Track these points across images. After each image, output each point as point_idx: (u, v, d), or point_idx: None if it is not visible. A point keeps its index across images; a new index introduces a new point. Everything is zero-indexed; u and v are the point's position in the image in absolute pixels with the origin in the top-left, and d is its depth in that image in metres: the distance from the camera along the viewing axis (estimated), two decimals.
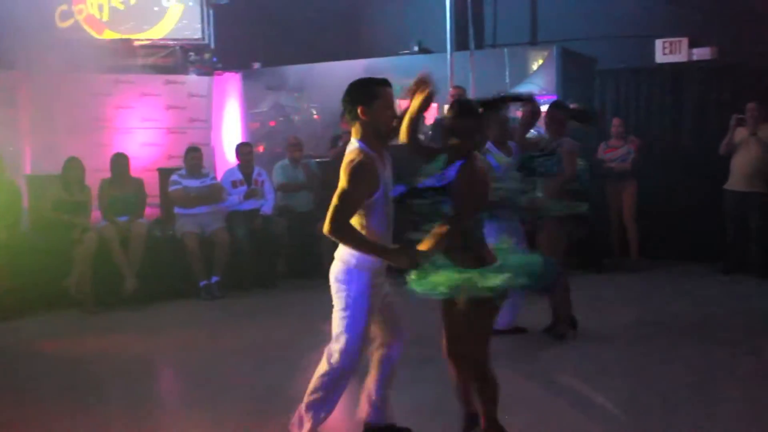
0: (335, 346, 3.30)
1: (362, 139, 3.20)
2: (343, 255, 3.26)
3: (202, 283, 6.98)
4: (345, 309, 3.26)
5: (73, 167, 6.83)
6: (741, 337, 5.36)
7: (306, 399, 3.39)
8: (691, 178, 7.80)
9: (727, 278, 7.15)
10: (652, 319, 5.90)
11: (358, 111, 3.16)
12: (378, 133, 3.20)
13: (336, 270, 3.28)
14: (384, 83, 3.22)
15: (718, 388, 4.33)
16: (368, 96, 3.16)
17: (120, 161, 7.17)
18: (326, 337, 3.38)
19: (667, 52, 8.13)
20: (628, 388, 4.36)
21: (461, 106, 3.28)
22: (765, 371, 4.60)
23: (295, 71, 9.90)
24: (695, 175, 7.77)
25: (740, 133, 7.11)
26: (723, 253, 7.43)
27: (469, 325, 3.15)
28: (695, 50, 8.02)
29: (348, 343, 3.26)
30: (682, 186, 7.82)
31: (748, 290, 6.72)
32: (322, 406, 3.36)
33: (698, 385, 4.39)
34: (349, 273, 3.23)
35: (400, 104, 3.37)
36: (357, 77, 3.31)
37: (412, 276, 3.18)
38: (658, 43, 8.12)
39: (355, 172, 3.08)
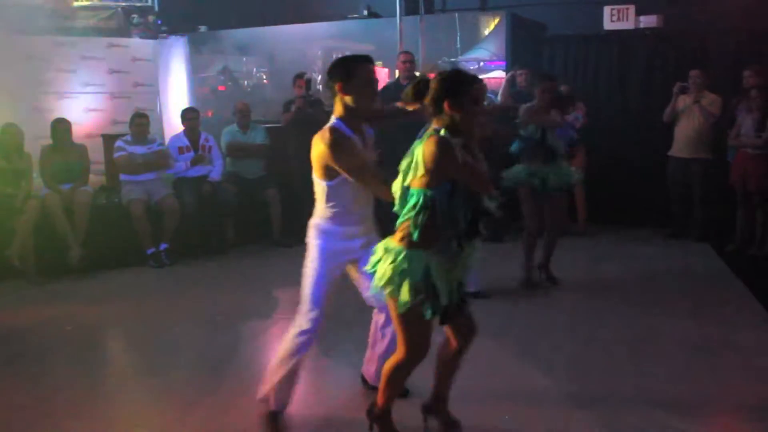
0: (301, 308, 3.36)
1: (340, 117, 3.20)
2: (313, 217, 3.34)
3: (150, 250, 6.87)
4: (307, 266, 3.34)
5: (11, 133, 6.59)
6: (680, 299, 5.53)
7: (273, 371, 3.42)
8: (637, 143, 7.93)
9: (671, 242, 7.34)
10: (596, 281, 6.05)
11: (336, 87, 3.15)
12: (356, 112, 3.19)
13: (308, 233, 3.37)
14: (365, 60, 3.22)
15: (658, 348, 4.47)
16: (346, 73, 3.15)
17: (61, 127, 6.95)
18: (277, 303, 3.39)
19: (615, 19, 8.20)
20: (572, 348, 4.49)
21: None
22: (699, 332, 4.75)
23: (242, 35, 9.72)
24: (642, 141, 7.91)
25: (683, 101, 7.25)
26: (668, 218, 7.62)
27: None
28: (642, 18, 8.11)
29: (307, 303, 3.32)
30: (628, 152, 7.95)
31: (689, 254, 6.92)
32: (285, 381, 3.39)
33: (639, 345, 4.53)
34: (315, 232, 3.32)
35: None
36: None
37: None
38: (606, 10, 8.18)
39: (336, 147, 3.06)
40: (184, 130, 7.55)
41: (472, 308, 3.20)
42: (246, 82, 10.33)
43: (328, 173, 3.17)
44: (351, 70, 3.16)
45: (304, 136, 7.19)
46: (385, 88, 7.96)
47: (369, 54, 3.33)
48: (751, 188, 6.73)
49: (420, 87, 2.94)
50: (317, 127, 3.19)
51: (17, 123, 6.67)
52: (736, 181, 6.85)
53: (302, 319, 3.34)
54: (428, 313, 2.90)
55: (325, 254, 3.31)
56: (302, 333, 3.33)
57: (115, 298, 5.99)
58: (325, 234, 3.31)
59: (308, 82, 7.32)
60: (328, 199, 3.24)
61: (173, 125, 9.14)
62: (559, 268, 5.94)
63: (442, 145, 2.77)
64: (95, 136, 8.02)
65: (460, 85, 2.87)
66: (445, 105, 2.85)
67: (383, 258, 2.92)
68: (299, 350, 3.35)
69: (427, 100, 2.90)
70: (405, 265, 2.86)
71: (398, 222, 2.94)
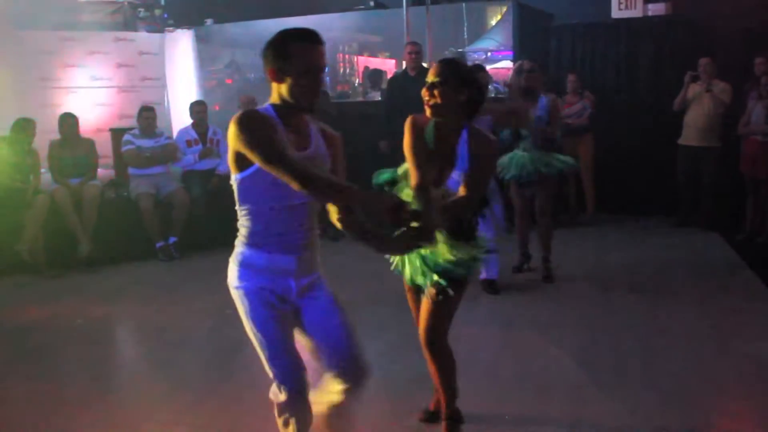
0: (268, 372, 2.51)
1: (272, 104, 2.42)
2: (234, 252, 2.53)
3: (159, 244, 6.89)
4: (247, 330, 2.52)
5: (25, 128, 6.61)
6: (689, 288, 5.51)
7: None
8: (646, 132, 7.89)
9: (680, 231, 7.31)
10: (604, 271, 6.03)
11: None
12: (292, 103, 2.38)
13: (229, 273, 2.53)
14: (303, 37, 2.36)
15: (667, 338, 4.45)
16: (280, 53, 2.35)
17: (68, 121, 6.97)
18: None
19: (623, 7, 8.15)
20: (582, 340, 4.47)
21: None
22: (709, 322, 4.73)
23: (249, 27, 9.70)
24: (650, 129, 7.87)
25: (694, 89, 7.20)
26: (677, 207, 7.58)
27: (446, 309, 3.02)
28: (650, 6, 8.05)
29: (273, 379, 2.49)
30: (637, 140, 7.91)
31: (698, 243, 6.89)
32: None
33: (648, 335, 4.51)
34: (234, 270, 2.50)
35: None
36: None
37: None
38: None
39: (240, 122, 2.29)
40: (192, 124, 7.57)
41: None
42: (253, 75, 10.33)
43: (240, 162, 2.35)
44: (287, 50, 2.34)
45: None
46: (393, 78, 7.98)
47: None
48: (760, 176, 6.68)
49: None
50: (323, 118, 2.93)
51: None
52: (747, 169, 6.80)
53: (276, 398, 2.48)
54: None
55: (256, 301, 2.44)
56: (281, 412, 2.49)
57: (125, 291, 6.02)
58: (245, 268, 2.47)
59: None
60: (241, 203, 2.44)
61: (181, 119, 9.16)
62: (568, 258, 5.92)
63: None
64: (103, 130, 8.04)
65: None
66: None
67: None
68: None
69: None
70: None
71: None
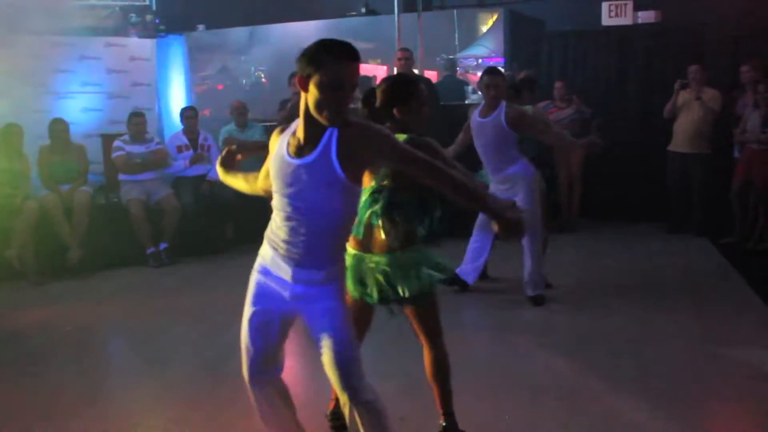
0: None
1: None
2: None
3: (149, 250, 6.87)
4: None
5: (14, 133, 6.59)
6: (678, 294, 5.53)
7: None
8: (636, 139, 7.93)
9: (670, 238, 7.34)
10: (596, 277, 6.04)
11: (394, 111, 2.97)
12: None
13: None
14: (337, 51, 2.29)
15: (659, 344, 4.47)
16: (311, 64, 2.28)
17: (58, 127, 6.95)
18: None
19: (613, 15, 8.20)
20: (574, 344, 4.48)
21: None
22: (701, 327, 4.75)
23: (240, 33, 9.70)
24: (640, 136, 7.91)
25: (683, 96, 7.24)
26: (667, 214, 7.61)
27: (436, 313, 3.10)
28: (640, 13, 8.11)
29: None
30: (627, 147, 7.94)
31: (689, 249, 6.92)
32: None
33: (639, 341, 4.53)
34: None
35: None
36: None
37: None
38: (604, 6, 8.17)
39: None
40: (183, 129, 7.56)
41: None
42: (244, 81, 10.33)
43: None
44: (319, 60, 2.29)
45: None
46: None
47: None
48: (757, 181, 6.71)
49: (369, 96, 2.98)
50: None
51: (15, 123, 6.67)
52: (741, 176, 6.82)
53: None
54: None
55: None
56: None
57: (115, 298, 6.00)
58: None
59: None
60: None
61: (172, 124, 9.14)
62: (558, 264, 5.94)
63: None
64: (94, 135, 8.01)
65: (405, 89, 3.01)
66: (395, 111, 2.98)
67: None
68: None
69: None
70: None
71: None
